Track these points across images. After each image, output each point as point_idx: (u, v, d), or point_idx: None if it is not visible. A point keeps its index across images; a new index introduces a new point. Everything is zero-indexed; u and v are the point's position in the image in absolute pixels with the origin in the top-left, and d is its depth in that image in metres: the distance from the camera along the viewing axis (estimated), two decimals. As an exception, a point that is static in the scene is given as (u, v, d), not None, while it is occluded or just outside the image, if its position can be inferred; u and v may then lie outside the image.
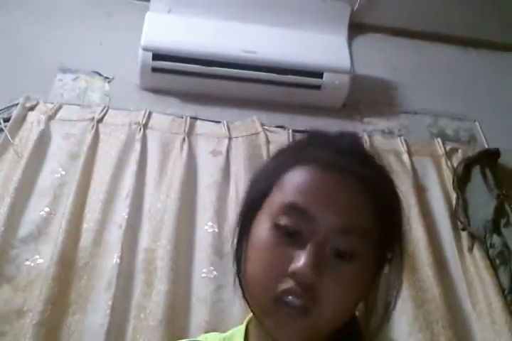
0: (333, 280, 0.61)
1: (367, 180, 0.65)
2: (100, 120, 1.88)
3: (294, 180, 0.65)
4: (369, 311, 0.69)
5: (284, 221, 0.63)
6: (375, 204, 0.65)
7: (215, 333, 0.81)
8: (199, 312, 1.51)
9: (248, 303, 0.67)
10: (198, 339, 0.80)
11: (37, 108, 1.88)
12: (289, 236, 0.62)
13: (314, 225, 0.62)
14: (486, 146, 2.15)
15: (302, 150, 0.70)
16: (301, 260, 0.60)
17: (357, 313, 0.70)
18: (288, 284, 0.60)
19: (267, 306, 0.62)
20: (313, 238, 0.61)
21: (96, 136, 1.83)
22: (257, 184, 0.71)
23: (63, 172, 1.73)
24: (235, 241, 0.71)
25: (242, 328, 0.75)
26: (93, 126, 1.85)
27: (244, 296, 0.68)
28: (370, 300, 0.69)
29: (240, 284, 0.69)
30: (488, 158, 2.04)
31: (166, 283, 1.50)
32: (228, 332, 0.78)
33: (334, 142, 0.70)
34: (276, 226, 0.63)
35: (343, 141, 0.70)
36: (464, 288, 1.74)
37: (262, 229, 0.64)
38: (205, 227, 1.67)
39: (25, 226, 1.59)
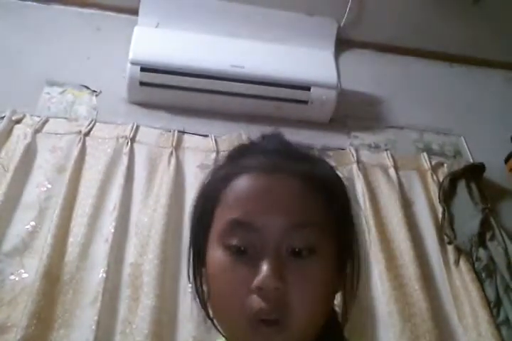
0: (299, 280, 0.60)
1: (301, 175, 0.64)
2: (87, 133, 1.88)
3: (232, 196, 0.64)
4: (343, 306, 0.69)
5: (232, 241, 0.61)
6: (315, 196, 0.64)
7: None
8: (186, 328, 1.50)
9: (219, 331, 0.66)
10: None
11: (23, 121, 1.87)
12: (242, 254, 0.61)
13: (263, 233, 0.61)
14: (471, 161, 2.17)
15: (232, 165, 0.69)
16: (261, 273, 0.59)
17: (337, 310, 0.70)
18: (256, 302, 0.59)
19: (242, 330, 0.60)
20: (266, 246, 0.60)
21: (83, 149, 1.82)
22: (198, 210, 0.70)
23: (49, 186, 1.71)
24: (191, 274, 0.70)
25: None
26: (80, 139, 1.84)
27: (213, 324, 0.67)
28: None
29: (207, 315, 0.68)
30: (474, 172, 2.06)
31: (153, 298, 1.49)
32: None
33: (259, 147, 0.70)
34: (227, 248, 0.62)
35: (268, 144, 0.70)
36: (450, 301, 1.74)
37: (215, 254, 0.63)
38: (192, 241, 1.66)
39: (11, 240, 1.57)
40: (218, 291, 0.63)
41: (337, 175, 0.71)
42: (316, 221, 0.63)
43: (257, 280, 0.58)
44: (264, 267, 0.59)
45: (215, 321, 0.66)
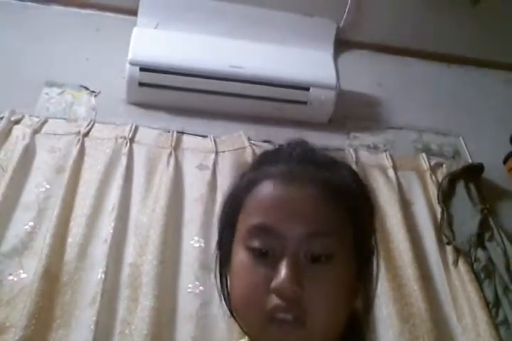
0: (316, 284, 0.62)
1: (321, 183, 0.66)
2: (86, 134, 1.88)
3: (254, 202, 0.67)
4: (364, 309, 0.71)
5: (255, 243, 0.64)
6: (335, 204, 0.66)
7: None
8: (185, 328, 1.50)
9: (241, 327, 0.68)
10: None
11: (22, 122, 1.87)
12: (263, 257, 0.64)
13: (283, 239, 0.63)
14: (470, 161, 2.18)
15: (256, 171, 0.72)
16: (280, 276, 0.61)
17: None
18: (274, 301, 0.61)
19: (260, 326, 0.62)
20: (286, 251, 0.63)
21: (81, 150, 1.82)
22: (225, 214, 0.73)
23: (48, 186, 1.71)
24: (217, 272, 0.73)
25: None
26: (79, 140, 1.84)
27: (237, 321, 0.69)
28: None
29: (231, 312, 0.70)
30: (472, 172, 2.06)
31: (152, 299, 1.49)
32: None
33: (284, 154, 0.72)
34: (250, 250, 0.64)
35: (291, 151, 0.72)
36: (449, 302, 1.74)
37: (239, 255, 0.66)
38: (191, 242, 1.67)
39: (9, 241, 1.57)
40: (240, 289, 0.65)
41: (360, 182, 0.73)
42: (335, 229, 0.65)
43: (275, 283, 0.61)
44: (283, 271, 0.61)
45: (237, 318, 0.68)
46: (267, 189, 0.67)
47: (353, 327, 0.68)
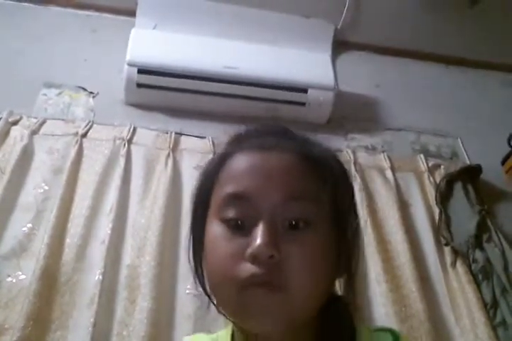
0: (295, 249, 0.60)
1: (295, 151, 0.66)
2: (84, 135, 1.88)
3: (227, 173, 0.66)
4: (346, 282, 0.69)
5: (229, 213, 0.63)
6: (310, 171, 0.65)
7: (202, 334, 0.81)
8: (183, 330, 1.50)
9: (217, 304, 0.66)
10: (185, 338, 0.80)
11: (20, 123, 1.87)
12: (239, 227, 0.62)
13: (259, 206, 0.62)
14: (468, 162, 2.18)
15: (229, 147, 0.71)
16: (255, 241, 0.59)
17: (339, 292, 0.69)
18: (250, 269, 0.58)
19: (236, 299, 0.59)
20: (262, 218, 0.61)
21: (80, 151, 1.82)
22: (199, 188, 0.72)
23: (46, 188, 1.71)
24: (192, 258, 0.71)
25: (228, 330, 0.74)
26: (77, 141, 1.84)
27: (216, 308, 0.66)
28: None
29: (209, 298, 0.68)
30: (470, 174, 2.07)
31: (150, 300, 1.49)
32: (214, 334, 0.77)
33: (258, 130, 0.73)
34: (224, 221, 0.63)
35: (263, 127, 0.73)
36: (447, 303, 1.74)
37: (213, 229, 0.64)
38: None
39: (7, 242, 1.56)
40: (214, 263, 0.63)
41: (333, 154, 0.72)
42: (310, 194, 0.63)
43: (251, 248, 0.58)
44: (258, 235, 0.59)
45: (214, 300, 0.66)
46: (240, 159, 0.66)
47: (336, 306, 0.67)
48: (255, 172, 0.64)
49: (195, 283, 0.70)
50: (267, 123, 0.75)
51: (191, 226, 0.72)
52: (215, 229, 0.63)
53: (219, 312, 0.66)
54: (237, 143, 0.71)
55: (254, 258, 0.58)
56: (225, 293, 0.61)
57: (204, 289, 0.69)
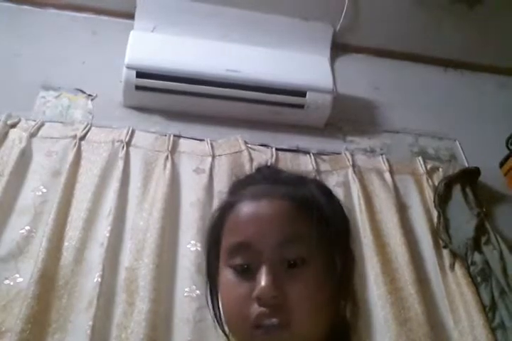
0: (295, 286, 0.68)
1: (286, 197, 0.74)
2: (82, 138, 1.87)
3: (230, 223, 0.75)
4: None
5: (235, 260, 0.71)
6: (301, 213, 0.73)
7: None
8: (182, 332, 1.49)
9: (232, 335, 0.74)
10: None
11: (19, 125, 1.86)
12: (246, 272, 0.70)
13: (259, 252, 0.70)
14: (467, 165, 2.18)
15: (231, 196, 0.81)
16: (259, 285, 0.67)
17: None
18: (258, 309, 0.67)
19: (248, 335, 0.68)
20: (263, 262, 0.69)
21: (78, 153, 1.81)
22: (208, 241, 0.81)
23: (44, 190, 1.71)
24: (209, 298, 0.80)
25: None
26: (75, 143, 1.83)
27: (225, 334, 0.75)
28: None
29: (223, 331, 0.76)
30: (469, 176, 2.07)
31: (148, 303, 1.48)
32: None
33: (253, 178, 0.83)
34: (232, 268, 0.72)
35: (258, 175, 0.83)
36: (446, 305, 1.74)
37: (224, 274, 0.73)
38: (187, 246, 1.66)
39: (5, 245, 1.56)
40: (227, 304, 0.72)
41: (326, 192, 0.80)
42: (302, 235, 0.71)
43: (256, 291, 0.67)
44: (262, 279, 0.67)
45: (229, 336, 0.75)
46: (239, 210, 0.75)
47: (339, 333, 0.73)
48: (252, 222, 0.72)
49: (213, 320, 0.79)
50: (263, 167, 0.86)
51: (207, 272, 0.81)
52: (226, 275, 0.72)
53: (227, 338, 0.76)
54: (235, 193, 0.81)
55: (260, 300, 0.67)
56: (240, 330, 0.70)
57: (218, 322, 0.78)
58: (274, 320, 0.66)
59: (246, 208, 0.74)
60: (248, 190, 0.78)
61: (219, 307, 0.77)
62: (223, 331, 0.76)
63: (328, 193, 0.80)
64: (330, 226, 0.74)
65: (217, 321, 0.77)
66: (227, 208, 0.78)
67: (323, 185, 0.83)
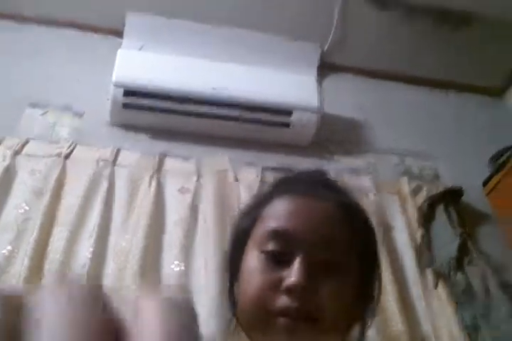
0: (327, 285, 0.68)
1: (332, 201, 0.75)
2: (67, 156, 1.87)
3: (273, 210, 0.75)
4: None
5: (269, 246, 0.70)
6: (343, 220, 0.73)
7: None
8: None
9: (245, 323, 0.72)
10: None
11: (3, 143, 1.86)
12: (276, 259, 0.69)
13: (296, 244, 0.69)
14: (450, 184, 2.19)
15: (277, 187, 0.82)
16: (292, 275, 0.66)
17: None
18: (285, 302, 0.66)
19: (266, 321, 0.66)
20: (300, 254, 0.68)
21: (62, 172, 1.81)
22: (241, 223, 0.80)
23: (27, 208, 1.70)
24: (228, 274, 0.79)
25: None
26: (60, 162, 1.83)
27: (237, 319, 0.74)
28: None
29: (237, 319, 0.74)
30: (452, 196, 2.08)
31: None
32: None
33: (301, 177, 0.83)
34: (264, 253, 0.70)
35: (308, 176, 0.83)
36: (428, 325, 1.75)
37: (252, 258, 0.72)
38: (171, 266, 1.66)
39: (-13, 264, 1.55)
40: (251, 290, 0.69)
41: (362, 208, 0.81)
42: (342, 240, 0.72)
43: (288, 281, 0.66)
44: (296, 270, 0.66)
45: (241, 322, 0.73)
46: (285, 200, 0.75)
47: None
48: (298, 214, 0.72)
49: (226, 307, 0.78)
50: (315, 170, 0.86)
51: (230, 253, 0.80)
52: (255, 260, 0.71)
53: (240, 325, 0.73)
54: (283, 186, 0.81)
55: (290, 292, 0.65)
56: (258, 316, 0.68)
57: (233, 311, 0.76)
58: (302, 312, 0.65)
59: (293, 199, 0.75)
60: (294, 186, 0.79)
61: (234, 295, 0.76)
62: (236, 319, 0.75)
63: (362, 208, 0.81)
64: (367, 241, 0.76)
65: (231, 309, 0.76)
66: (272, 196, 0.78)
67: (357, 199, 0.83)
